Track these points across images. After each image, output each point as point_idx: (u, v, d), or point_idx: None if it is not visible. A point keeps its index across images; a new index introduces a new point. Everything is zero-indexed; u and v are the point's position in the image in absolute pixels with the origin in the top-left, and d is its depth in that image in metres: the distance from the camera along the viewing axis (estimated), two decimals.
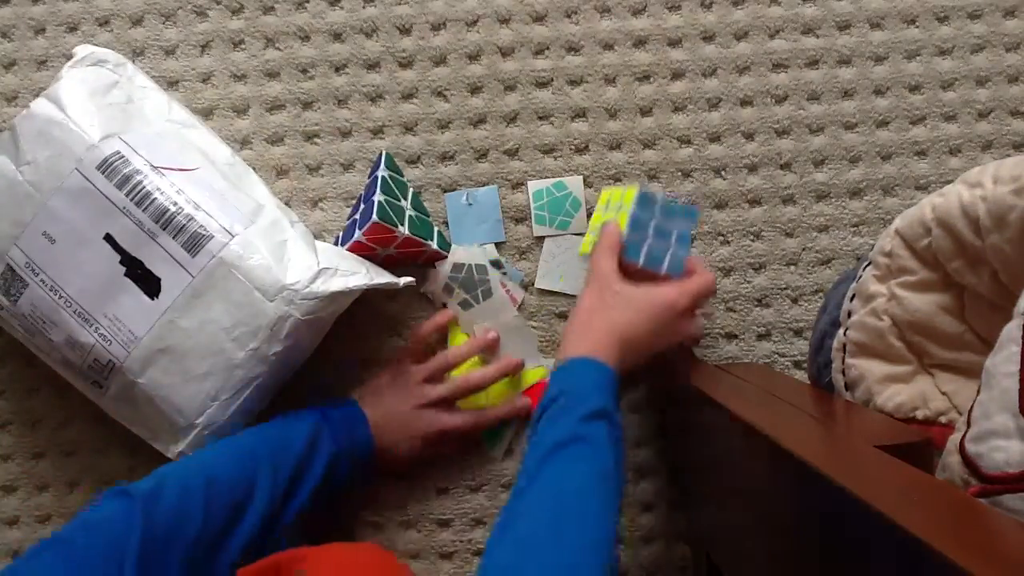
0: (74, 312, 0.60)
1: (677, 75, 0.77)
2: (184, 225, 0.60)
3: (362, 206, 0.73)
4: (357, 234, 0.69)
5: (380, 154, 0.75)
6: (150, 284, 0.60)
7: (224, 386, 0.61)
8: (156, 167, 0.61)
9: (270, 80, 0.77)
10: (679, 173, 0.77)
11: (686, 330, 0.64)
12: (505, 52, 0.77)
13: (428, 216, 0.76)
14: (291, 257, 0.62)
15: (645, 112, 0.77)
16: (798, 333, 0.77)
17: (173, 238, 0.60)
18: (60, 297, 0.60)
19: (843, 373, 0.54)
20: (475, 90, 0.77)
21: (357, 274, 0.64)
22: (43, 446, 0.77)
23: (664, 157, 0.77)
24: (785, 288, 0.77)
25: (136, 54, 0.78)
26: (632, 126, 0.77)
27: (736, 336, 0.77)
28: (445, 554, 0.76)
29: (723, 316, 0.77)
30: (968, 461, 0.36)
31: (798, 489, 0.36)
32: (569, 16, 0.77)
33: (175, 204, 0.61)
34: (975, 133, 0.77)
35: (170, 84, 0.78)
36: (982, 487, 0.34)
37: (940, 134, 0.77)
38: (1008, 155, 0.77)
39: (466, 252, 0.75)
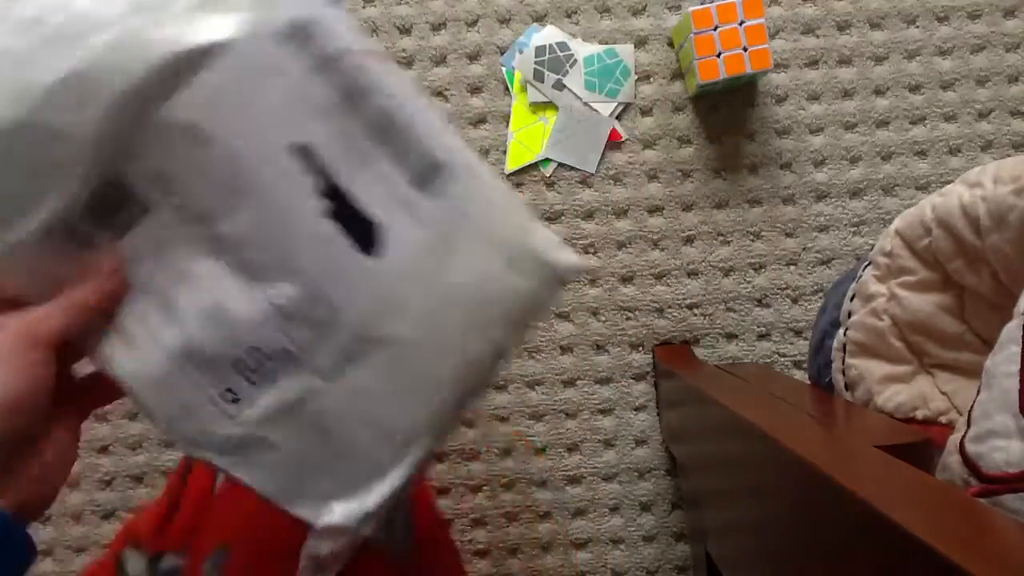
0: (234, 263, 0.36)
1: (676, 75, 0.77)
2: (411, 143, 0.37)
3: None
4: None
5: None
6: (362, 231, 0.36)
7: (453, 401, 0.40)
8: (367, 51, 0.38)
9: None
10: (679, 173, 0.77)
11: None
12: (505, 52, 0.77)
13: None
14: (526, 209, 0.42)
15: (645, 112, 0.77)
16: (798, 333, 0.77)
17: (397, 163, 0.37)
18: (212, 237, 0.35)
19: (843, 373, 0.54)
20: (475, 90, 0.77)
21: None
22: None
23: (665, 157, 0.77)
24: (785, 288, 0.77)
25: None
26: (632, 126, 0.77)
27: (736, 336, 0.77)
28: None
29: (723, 316, 0.77)
30: (968, 461, 0.36)
31: (798, 489, 0.36)
32: (569, 16, 0.77)
33: (396, 107, 0.37)
34: (975, 133, 0.77)
35: None
36: (982, 487, 0.34)
37: (940, 134, 0.77)
38: (1008, 155, 0.77)
39: (544, 33, 0.75)
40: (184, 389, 0.36)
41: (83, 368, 0.38)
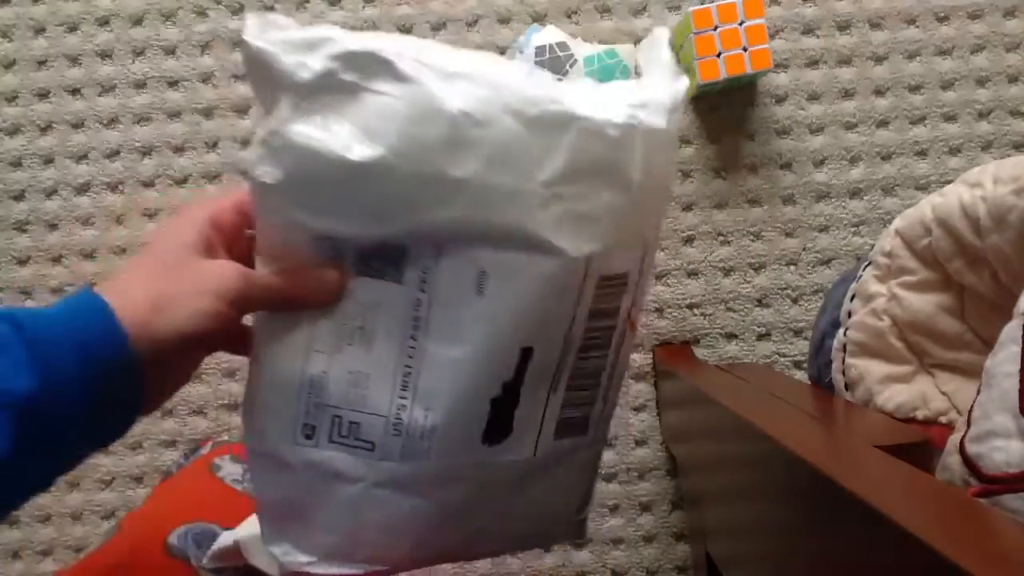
0: (406, 367, 0.39)
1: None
2: (584, 404, 0.43)
3: None
4: None
5: None
6: (498, 429, 0.41)
7: (432, 560, 0.46)
8: (629, 318, 0.44)
9: None
10: (679, 173, 0.77)
11: None
12: (505, 52, 0.77)
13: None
14: (592, 485, 0.50)
15: None
16: (798, 333, 0.77)
17: (562, 407, 0.42)
18: (412, 339, 0.39)
19: (843, 373, 0.54)
20: None
21: None
22: None
23: None
24: (785, 288, 0.77)
25: (136, 54, 0.78)
26: None
27: (736, 336, 0.77)
28: None
29: (723, 316, 0.77)
30: (968, 461, 0.36)
31: (798, 489, 0.36)
32: (569, 16, 0.77)
33: (602, 375, 0.43)
34: (975, 133, 0.77)
35: (170, 85, 0.78)
36: (982, 487, 0.34)
37: (940, 134, 0.77)
38: (1008, 155, 0.77)
39: (544, 33, 0.75)
40: (287, 399, 0.39)
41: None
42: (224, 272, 0.36)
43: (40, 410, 0.31)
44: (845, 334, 0.54)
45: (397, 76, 0.34)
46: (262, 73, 0.35)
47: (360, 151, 0.34)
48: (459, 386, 0.39)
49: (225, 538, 0.52)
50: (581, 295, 0.39)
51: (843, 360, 0.54)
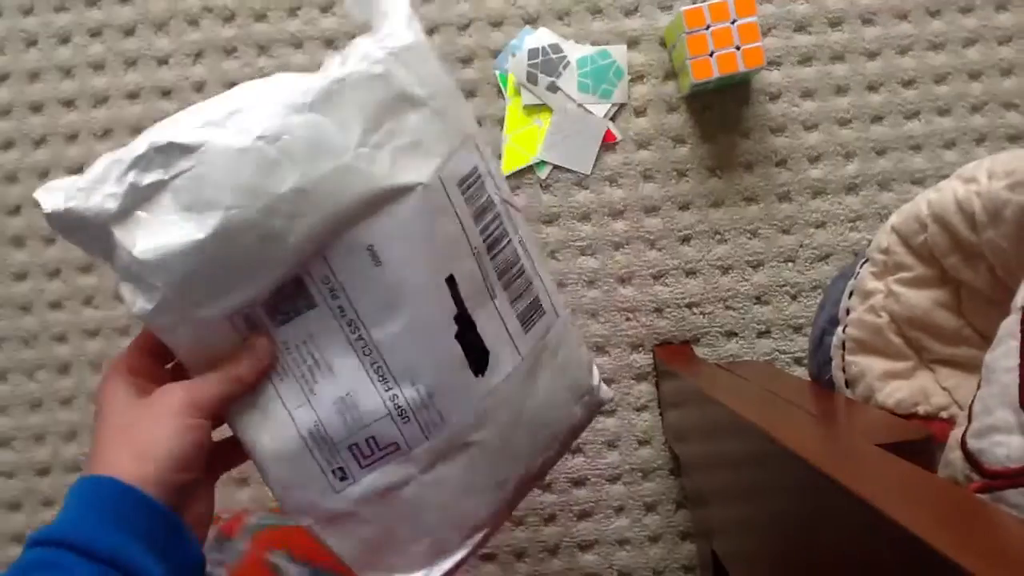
0: (372, 364, 0.40)
1: (670, 75, 0.77)
2: (525, 288, 0.46)
3: None
4: None
5: None
6: (479, 356, 0.42)
7: (511, 498, 0.47)
8: (505, 200, 0.45)
9: None
10: (674, 173, 0.77)
11: None
12: (498, 55, 0.77)
13: None
14: (589, 352, 0.52)
15: (639, 113, 0.77)
16: (797, 330, 0.77)
17: (511, 303, 0.45)
18: (359, 339, 0.40)
19: (843, 370, 0.54)
20: (468, 94, 0.77)
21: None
22: (48, 462, 0.77)
23: (660, 157, 0.77)
24: (784, 285, 0.77)
25: (128, 64, 0.78)
26: (627, 127, 0.77)
27: (736, 334, 0.77)
28: None
29: (722, 314, 0.77)
30: (969, 457, 0.36)
31: (799, 488, 0.36)
32: (561, 18, 0.77)
33: (520, 257, 0.46)
34: (969, 127, 0.77)
35: (163, 94, 0.78)
36: (984, 483, 0.34)
37: (935, 128, 0.77)
38: (1003, 148, 0.77)
39: (537, 36, 0.76)
40: (303, 463, 0.41)
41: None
42: (168, 392, 0.38)
43: None
44: (844, 331, 0.54)
45: (185, 149, 0.36)
46: (80, 229, 0.37)
47: (201, 227, 0.36)
48: (423, 347, 0.41)
49: None
50: (455, 207, 0.41)
51: (843, 357, 0.54)
